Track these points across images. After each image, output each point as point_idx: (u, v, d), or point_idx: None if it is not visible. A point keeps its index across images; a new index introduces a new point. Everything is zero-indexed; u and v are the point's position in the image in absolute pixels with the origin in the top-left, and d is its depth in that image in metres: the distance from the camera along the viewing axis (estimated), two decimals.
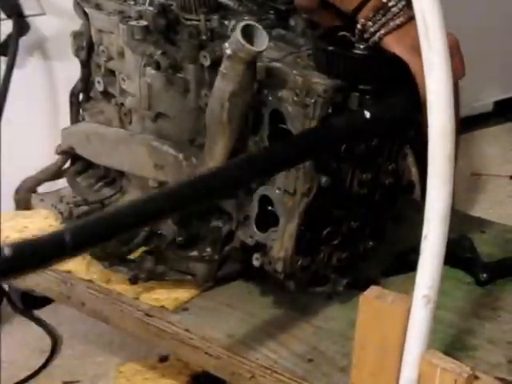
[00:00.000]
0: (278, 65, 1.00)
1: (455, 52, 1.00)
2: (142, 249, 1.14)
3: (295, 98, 0.96)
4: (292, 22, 1.11)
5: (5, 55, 1.42)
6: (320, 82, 0.95)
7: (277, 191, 1.01)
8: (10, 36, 1.44)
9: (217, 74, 0.97)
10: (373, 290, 0.82)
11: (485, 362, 0.99)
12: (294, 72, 0.97)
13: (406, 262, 1.11)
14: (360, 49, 0.98)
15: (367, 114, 0.91)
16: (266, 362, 1.00)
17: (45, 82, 1.53)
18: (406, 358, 0.79)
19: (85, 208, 1.21)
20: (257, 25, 0.92)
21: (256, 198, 1.04)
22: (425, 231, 0.74)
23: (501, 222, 1.33)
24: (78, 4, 1.19)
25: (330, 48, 0.98)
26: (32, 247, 0.66)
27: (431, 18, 0.70)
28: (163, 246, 1.13)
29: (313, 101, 0.95)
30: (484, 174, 1.93)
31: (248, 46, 0.90)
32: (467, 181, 1.85)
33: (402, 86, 0.97)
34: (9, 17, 1.44)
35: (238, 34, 0.90)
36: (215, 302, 1.12)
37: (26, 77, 1.48)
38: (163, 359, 1.31)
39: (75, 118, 1.29)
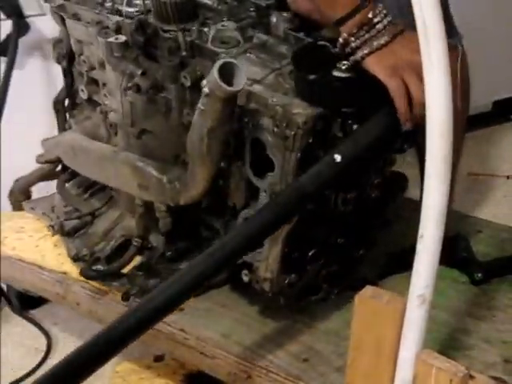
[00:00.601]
0: (257, 90, 0.97)
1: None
2: (134, 264, 1.14)
3: (275, 129, 0.94)
4: (273, 20, 1.08)
5: (4, 55, 1.42)
6: (300, 112, 0.93)
7: None
8: (9, 36, 1.44)
9: (199, 93, 0.95)
10: (368, 290, 0.82)
11: (480, 362, 0.99)
12: (274, 100, 0.95)
13: (401, 262, 1.11)
14: (341, 70, 0.94)
15: (338, 158, 0.88)
16: (262, 361, 1.01)
17: (44, 83, 1.52)
18: (401, 358, 0.79)
19: (75, 222, 1.21)
20: (235, 62, 0.89)
21: (240, 221, 1.03)
22: (421, 231, 0.74)
23: (497, 222, 1.33)
24: (56, 13, 1.17)
25: (310, 77, 0.95)
26: None
27: (430, 19, 0.69)
28: (154, 259, 1.14)
29: (293, 133, 0.93)
30: (481, 174, 1.93)
31: (224, 85, 0.88)
32: (464, 180, 1.85)
33: (375, 111, 0.94)
34: (8, 17, 1.44)
35: (215, 73, 0.88)
36: (210, 302, 1.11)
37: (26, 77, 1.48)
38: (158, 359, 1.30)
39: (62, 126, 1.29)
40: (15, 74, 1.43)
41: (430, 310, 0.76)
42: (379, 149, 0.96)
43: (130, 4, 1.09)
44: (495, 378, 0.92)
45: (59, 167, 1.32)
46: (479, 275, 1.14)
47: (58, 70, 1.34)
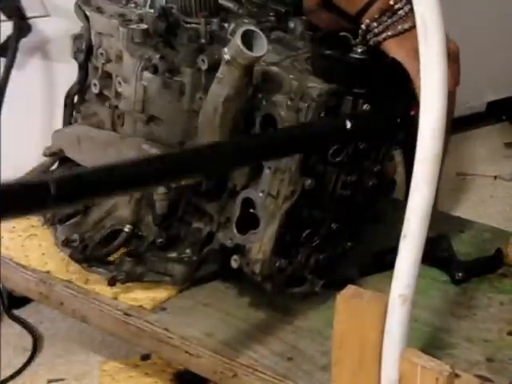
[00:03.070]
0: (274, 69, 1.00)
1: (454, 61, 1.00)
2: (121, 250, 1.14)
3: (289, 103, 0.97)
4: (291, 24, 1.11)
5: (4, 56, 1.42)
6: (315, 86, 0.96)
7: (260, 194, 1.01)
8: (10, 37, 1.43)
9: (213, 78, 0.98)
10: (349, 289, 0.82)
11: (463, 360, 0.99)
12: (290, 76, 0.98)
13: (383, 262, 1.12)
14: (357, 53, 0.98)
15: (348, 124, 0.90)
16: (247, 360, 1.01)
17: (45, 84, 1.52)
18: (385, 357, 0.79)
19: (68, 210, 1.20)
20: (257, 30, 0.92)
21: (239, 201, 1.04)
22: (404, 231, 0.75)
23: (480, 222, 1.34)
24: (80, 7, 1.20)
25: (326, 52, 0.98)
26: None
27: (430, 18, 0.70)
28: (143, 247, 1.13)
29: (306, 105, 0.96)
30: (469, 174, 1.94)
31: (247, 51, 0.91)
32: (452, 180, 1.86)
33: (392, 93, 0.98)
34: (9, 18, 1.44)
35: (237, 40, 0.91)
36: (193, 301, 1.12)
37: (26, 78, 1.48)
38: (145, 357, 1.31)
39: (68, 120, 1.29)
40: (15, 74, 1.42)
41: (411, 309, 0.76)
42: (387, 131, 1.01)
43: (152, 7, 1.12)
44: (480, 377, 0.93)
45: (55, 166, 1.31)
46: (460, 274, 1.15)
47: (58, 72, 1.35)
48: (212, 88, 0.99)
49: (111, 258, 1.14)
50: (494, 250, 1.20)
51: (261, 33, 0.92)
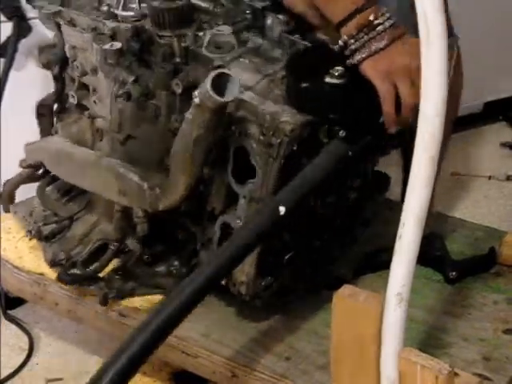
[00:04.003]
0: (248, 98, 0.98)
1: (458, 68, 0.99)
2: (110, 267, 1.14)
3: (261, 138, 0.96)
4: (268, 22, 1.09)
5: (4, 57, 1.41)
6: (288, 120, 0.95)
7: (237, 221, 1.01)
8: (9, 38, 1.43)
9: (188, 100, 0.96)
10: (345, 289, 0.83)
11: (461, 360, 1.00)
12: (263, 109, 0.96)
13: (377, 262, 1.12)
14: (334, 76, 0.96)
15: (282, 211, 0.88)
16: (245, 360, 1.02)
17: (44, 84, 1.52)
18: (384, 357, 0.80)
19: (53, 227, 1.21)
20: (229, 73, 0.90)
21: (218, 225, 1.04)
22: (400, 231, 0.75)
23: (473, 221, 1.35)
24: (50, 18, 1.17)
25: (303, 85, 0.96)
26: None
27: (433, 21, 0.70)
28: (131, 263, 1.14)
29: (278, 141, 0.94)
30: (464, 174, 1.95)
31: (216, 96, 0.89)
32: (447, 180, 1.86)
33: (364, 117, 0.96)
34: (10, 19, 1.43)
35: (207, 85, 0.88)
36: None
37: (25, 78, 1.48)
38: None
39: (48, 129, 1.28)
40: (15, 75, 1.42)
41: (407, 308, 0.77)
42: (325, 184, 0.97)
43: (125, 8, 1.09)
44: (478, 375, 0.94)
45: (41, 170, 1.31)
46: (453, 274, 1.16)
47: None
48: (181, 128, 0.98)
49: (100, 275, 1.15)
50: (488, 249, 1.21)
51: (234, 77, 0.90)
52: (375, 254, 1.17)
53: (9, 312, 1.46)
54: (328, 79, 0.96)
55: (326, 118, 0.96)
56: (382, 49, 0.94)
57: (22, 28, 1.43)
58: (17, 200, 1.37)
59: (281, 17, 1.08)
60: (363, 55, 0.94)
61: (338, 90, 0.96)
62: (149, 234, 1.11)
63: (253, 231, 0.88)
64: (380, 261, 1.11)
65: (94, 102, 1.13)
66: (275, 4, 1.11)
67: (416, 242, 0.75)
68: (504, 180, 1.94)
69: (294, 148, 0.95)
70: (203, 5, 1.11)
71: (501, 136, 2.14)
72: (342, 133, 0.96)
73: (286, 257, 1.04)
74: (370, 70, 0.95)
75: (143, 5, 1.08)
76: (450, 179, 1.90)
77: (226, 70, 0.91)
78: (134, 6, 1.09)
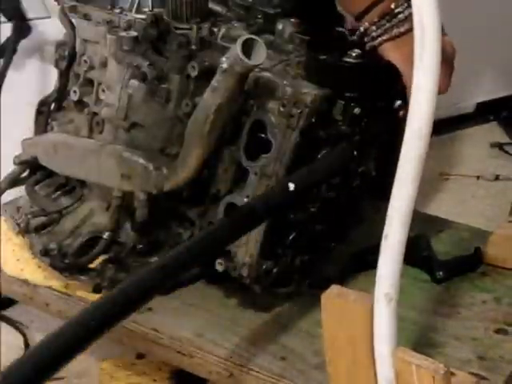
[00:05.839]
0: (267, 75, 1.02)
1: (447, 63, 1.02)
2: (103, 257, 1.14)
3: (281, 109, 0.98)
4: (279, 26, 1.12)
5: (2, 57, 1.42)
6: (309, 91, 0.98)
7: (245, 199, 1.03)
8: (9, 38, 1.44)
9: (202, 85, 0.99)
10: (334, 289, 0.83)
11: (455, 359, 1.01)
12: (284, 82, 1.00)
13: (364, 261, 1.13)
14: (351, 56, 1.00)
15: (291, 187, 0.92)
16: (241, 360, 1.02)
17: (44, 85, 1.52)
18: (378, 356, 0.80)
19: (43, 219, 1.21)
20: (257, 38, 0.93)
21: (222, 206, 1.05)
22: (386, 230, 0.76)
23: (460, 222, 1.36)
24: (65, 14, 1.19)
25: (321, 57, 1.00)
26: None
27: (428, 21, 0.73)
28: (123, 253, 1.14)
29: (299, 111, 0.97)
30: (452, 174, 1.96)
31: (246, 59, 0.92)
32: (435, 180, 1.87)
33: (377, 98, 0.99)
34: (9, 20, 1.44)
35: (237, 49, 0.92)
36: (178, 302, 1.12)
37: (24, 79, 1.48)
38: (141, 356, 1.31)
39: (43, 127, 1.28)
40: (14, 75, 1.42)
41: (397, 308, 0.78)
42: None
43: (138, 11, 1.12)
44: (474, 375, 0.94)
45: (26, 173, 1.31)
46: (440, 273, 1.17)
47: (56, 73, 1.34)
48: (205, 96, 1.00)
49: (92, 266, 1.15)
50: (474, 249, 1.22)
51: (261, 41, 0.94)
52: (361, 253, 1.18)
53: (3, 312, 1.47)
54: (346, 58, 1.00)
55: (342, 95, 0.99)
56: (403, 33, 0.98)
57: (22, 29, 1.44)
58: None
59: (292, 20, 1.11)
60: (384, 37, 0.99)
61: (357, 68, 1.00)
62: (145, 221, 1.11)
63: (260, 202, 0.90)
64: (368, 261, 1.11)
65: (103, 90, 1.14)
66: (286, 11, 1.14)
67: (403, 240, 0.76)
68: (492, 180, 1.95)
69: (313, 120, 0.98)
70: (217, 8, 1.15)
71: (491, 136, 2.15)
72: (357, 110, 0.99)
73: (291, 236, 1.05)
74: (392, 52, 0.99)
75: (156, 9, 1.11)
76: (437, 179, 1.91)
77: (253, 36, 0.94)
78: (146, 9, 1.12)
